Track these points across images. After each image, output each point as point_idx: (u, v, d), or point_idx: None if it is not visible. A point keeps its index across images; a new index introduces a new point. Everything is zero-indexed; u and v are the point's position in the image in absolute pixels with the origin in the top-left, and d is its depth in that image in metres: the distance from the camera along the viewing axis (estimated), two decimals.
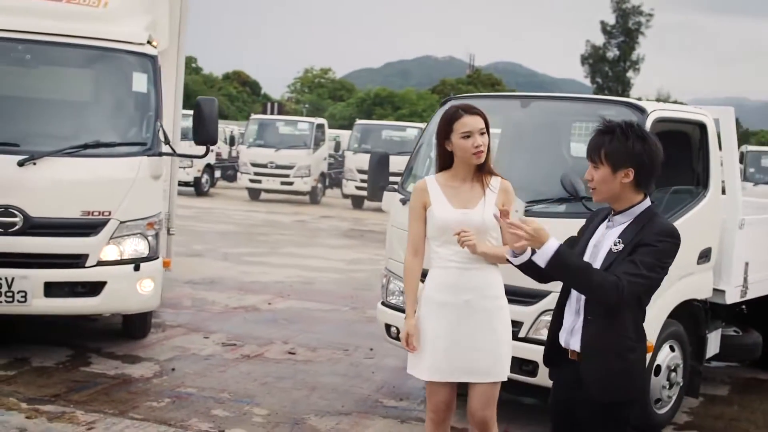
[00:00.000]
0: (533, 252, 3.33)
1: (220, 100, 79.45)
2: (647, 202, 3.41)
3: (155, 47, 7.06)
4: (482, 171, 4.13)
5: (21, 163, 6.27)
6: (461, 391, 4.22)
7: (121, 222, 6.58)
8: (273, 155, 24.33)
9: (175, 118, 8.18)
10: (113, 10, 7.08)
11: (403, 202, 6.22)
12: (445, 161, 4.19)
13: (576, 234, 3.67)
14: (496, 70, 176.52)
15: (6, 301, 6.29)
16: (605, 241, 3.41)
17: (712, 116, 6.33)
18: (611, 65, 66.30)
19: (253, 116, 27.68)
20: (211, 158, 26.16)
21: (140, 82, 6.87)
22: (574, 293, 3.47)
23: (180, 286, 10.30)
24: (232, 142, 27.89)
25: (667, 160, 6.17)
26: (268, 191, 25.29)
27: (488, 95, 7.06)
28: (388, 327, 6.34)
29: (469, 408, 4.17)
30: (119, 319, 7.64)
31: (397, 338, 6.25)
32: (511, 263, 3.51)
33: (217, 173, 27.51)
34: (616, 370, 3.36)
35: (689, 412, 6.55)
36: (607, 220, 3.48)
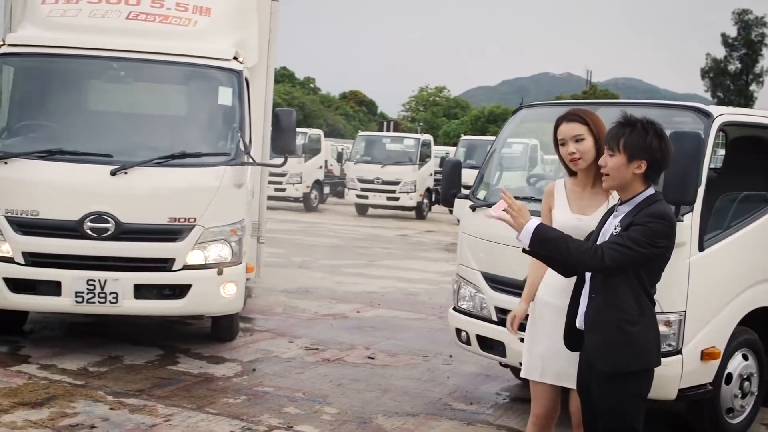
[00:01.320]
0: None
1: (338, 120, 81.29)
2: (650, 191, 3.60)
3: (241, 63, 7.41)
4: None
5: (113, 173, 6.69)
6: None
7: (206, 228, 6.92)
8: (379, 171, 24.75)
9: (265, 131, 8.54)
10: (202, 28, 7.50)
11: (473, 209, 6.33)
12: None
13: None
14: (616, 86, 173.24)
15: (99, 302, 6.71)
16: (610, 228, 3.63)
17: None
18: (733, 79, 64.06)
19: (360, 133, 28.20)
20: (320, 174, 26.81)
21: (225, 96, 7.23)
22: (587, 281, 3.70)
23: (274, 295, 10.67)
24: (340, 158, 28.43)
25: (740, 165, 6.15)
26: (374, 206, 25.69)
27: (558, 102, 7.10)
28: (458, 332, 6.44)
29: (570, 407, 4.28)
30: (209, 322, 8.01)
31: (468, 343, 6.36)
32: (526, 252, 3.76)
33: (326, 189, 28.10)
34: (616, 342, 3.56)
35: None
36: (614, 210, 3.71)
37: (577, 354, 3.93)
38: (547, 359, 4.17)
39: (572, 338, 3.83)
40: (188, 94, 7.66)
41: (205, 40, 7.44)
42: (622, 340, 3.56)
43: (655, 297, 3.73)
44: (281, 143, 7.29)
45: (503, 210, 3.66)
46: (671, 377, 5.12)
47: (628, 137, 3.53)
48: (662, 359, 3.89)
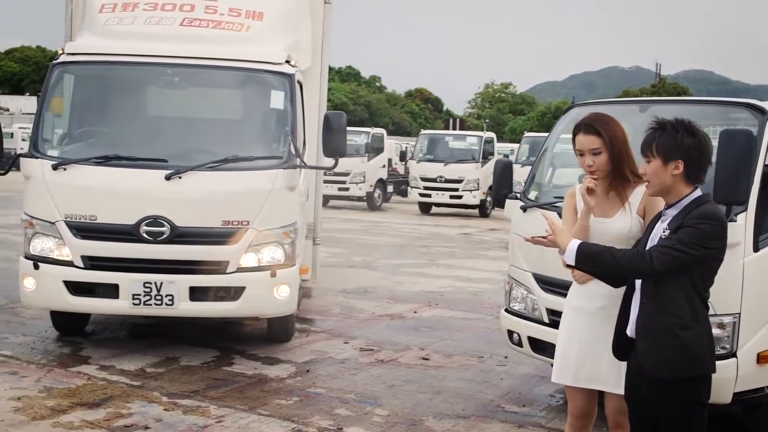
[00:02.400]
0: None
1: (404, 118, 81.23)
2: (697, 193, 3.54)
3: (293, 66, 7.47)
4: (622, 181, 4.08)
5: (168, 177, 6.81)
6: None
7: (259, 231, 6.99)
8: (442, 169, 24.72)
9: (319, 133, 8.58)
10: (255, 33, 7.59)
11: (524, 209, 6.27)
12: None
13: None
14: (686, 78, 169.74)
15: (155, 304, 6.84)
16: (658, 233, 3.59)
17: None
18: None
19: (423, 132, 28.20)
20: (383, 173, 26.86)
21: (277, 100, 7.29)
22: (637, 288, 3.63)
23: (333, 295, 10.73)
24: (403, 157, 28.43)
25: None
26: (437, 205, 25.65)
27: (609, 101, 6.98)
28: (510, 333, 6.41)
29: (605, 409, 4.25)
30: (266, 323, 8.09)
31: (519, 344, 6.31)
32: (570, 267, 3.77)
33: (390, 188, 28.14)
34: (669, 347, 3.49)
35: None
36: (662, 214, 3.65)
37: (612, 357, 3.88)
38: (581, 362, 4.14)
39: (621, 346, 3.76)
40: (241, 99, 7.76)
41: (257, 44, 7.53)
42: (675, 345, 3.48)
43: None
44: (332, 145, 7.33)
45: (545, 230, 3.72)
46: (725, 381, 5.01)
47: (659, 140, 3.51)
48: (716, 362, 3.80)
